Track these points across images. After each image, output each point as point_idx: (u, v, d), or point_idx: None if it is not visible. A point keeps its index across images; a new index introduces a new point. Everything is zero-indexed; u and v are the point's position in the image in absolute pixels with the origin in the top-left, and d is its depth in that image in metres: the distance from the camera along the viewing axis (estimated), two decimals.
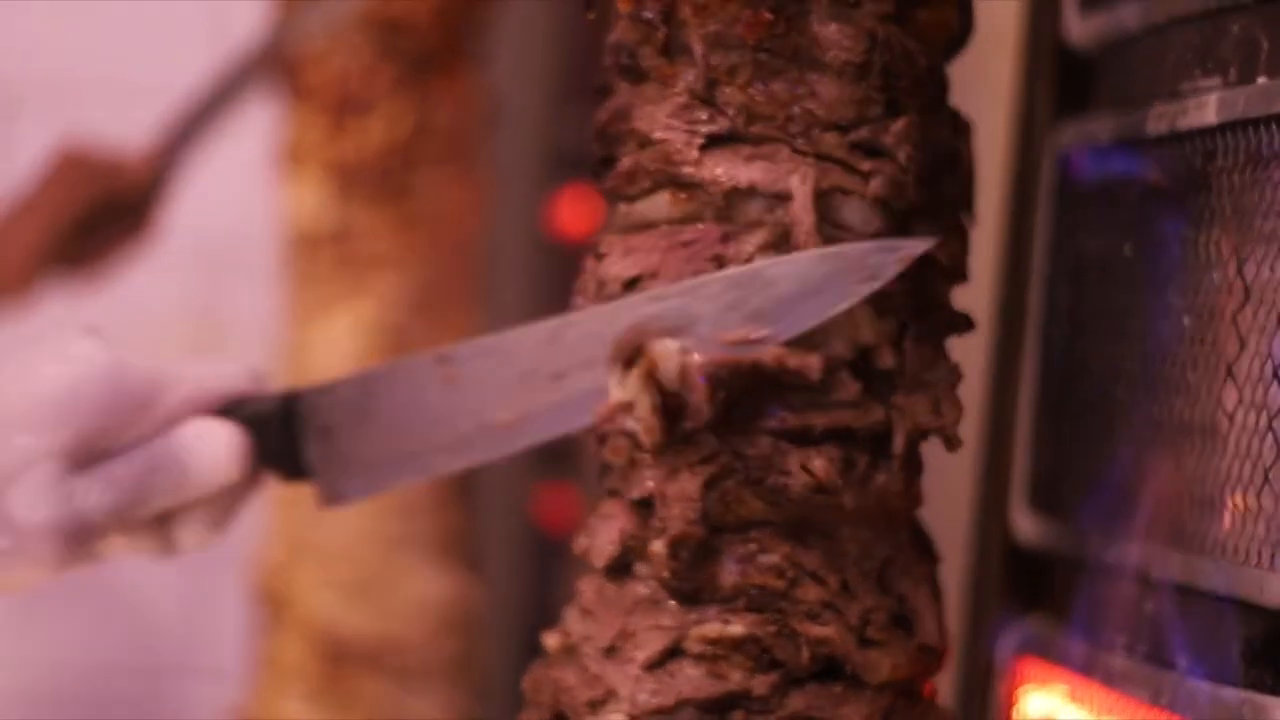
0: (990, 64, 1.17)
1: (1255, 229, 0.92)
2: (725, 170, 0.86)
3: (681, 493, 0.85)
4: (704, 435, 0.85)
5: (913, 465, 0.91)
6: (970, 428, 1.14)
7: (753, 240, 0.85)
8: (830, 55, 0.86)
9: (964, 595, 1.19)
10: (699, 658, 0.88)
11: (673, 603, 0.87)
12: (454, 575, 1.90)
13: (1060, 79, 1.14)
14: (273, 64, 1.83)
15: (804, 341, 0.87)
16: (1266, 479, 0.90)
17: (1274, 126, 0.91)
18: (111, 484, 0.90)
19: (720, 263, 0.86)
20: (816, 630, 0.87)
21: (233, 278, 2.08)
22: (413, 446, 0.93)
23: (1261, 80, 0.93)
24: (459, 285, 1.95)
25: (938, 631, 0.92)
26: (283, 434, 0.94)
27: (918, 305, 0.90)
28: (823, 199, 0.86)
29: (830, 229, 0.87)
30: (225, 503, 0.94)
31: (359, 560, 1.90)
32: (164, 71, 2.18)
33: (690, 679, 0.88)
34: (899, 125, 0.87)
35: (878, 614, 0.88)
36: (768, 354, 0.85)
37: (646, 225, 0.88)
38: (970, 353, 1.12)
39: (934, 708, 0.94)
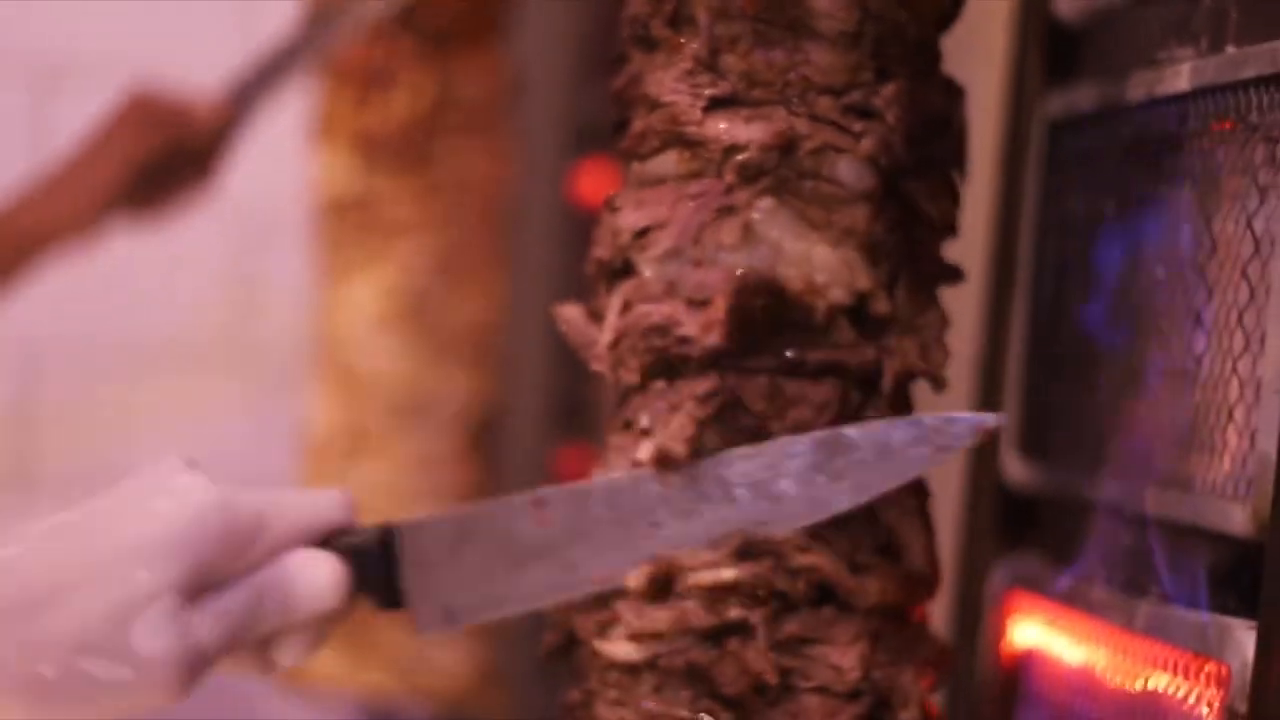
0: (984, 35, 1.23)
1: (1221, 187, 0.99)
2: (726, 129, 0.93)
3: (679, 425, 0.92)
4: (708, 370, 0.92)
5: (901, 404, 0.97)
6: (962, 375, 1.21)
7: (752, 190, 0.92)
8: (824, 25, 0.93)
9: (957, 534, 1.25)
10: (695, 591, 0.94)
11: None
12: None
13: (1049, 50, 1.20)
14: (332, 34, 1.85)
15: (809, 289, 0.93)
16: (1230, 417, 0.96)
17: (1240, 92, 0.98)
18: (224, 615, 0.93)
19: (726, 212, 0.93)
20: (806, 559, 0.93)
21: (270, 242, 2.13)
22: (503, 588, 0.96)
23: (1230, 49, 1.00)
24: (482, 251, 2.00)
25: (926, 560, 0.98)
26: (379, 564, 0.97)
27: (910, 256, 0.97)
28: (816, 155, 0.93)
29: (825, 184, 0.93)
30: (323, 626, 0.97)
31: (379, 513, 1.96)
32: (197, 48, 2.25)
33: (689, 610, 0.95)
34: (889, 90, 0.93)
35: (866, 542, 0.95)
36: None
37: (657, 181, 0.95)
38: (964, 305, 1.19)
39: (924, 632, 1.00)
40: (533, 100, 2.10)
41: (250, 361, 2.35)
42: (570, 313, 0.98)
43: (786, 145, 0.93)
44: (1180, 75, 1.03)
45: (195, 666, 0.93)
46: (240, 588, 0.94)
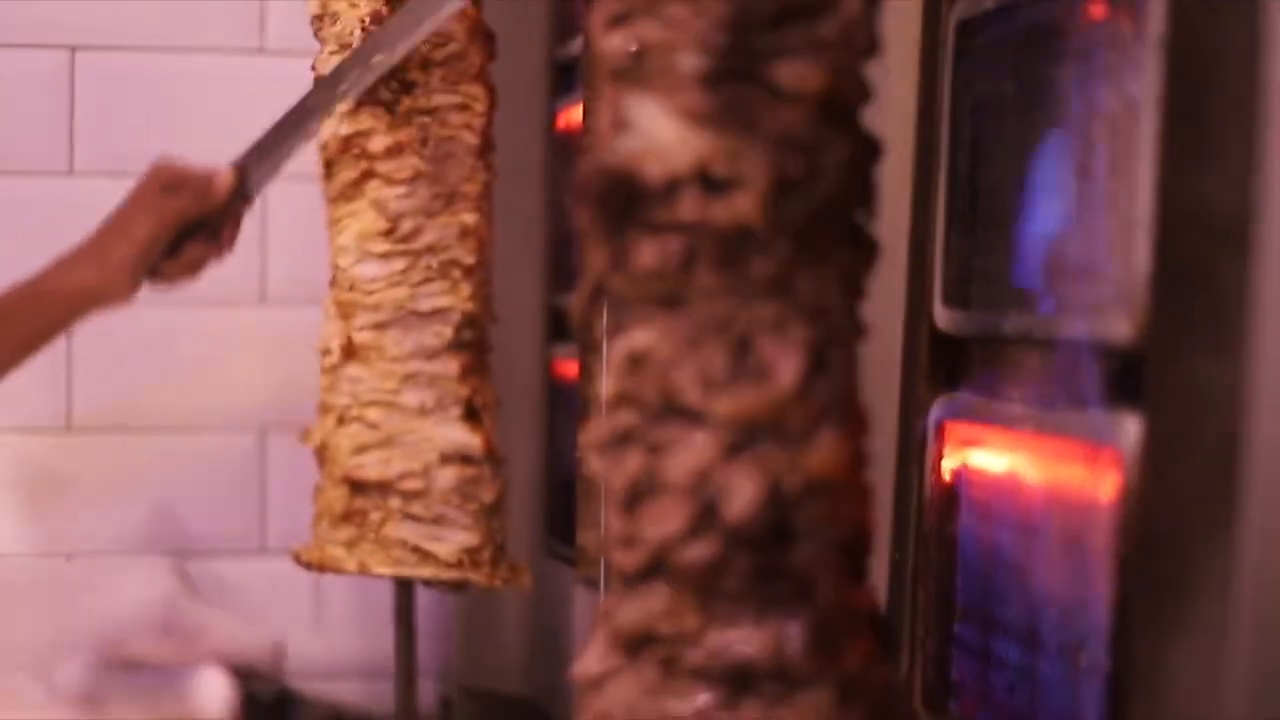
0: None
1: (1099, 62, 1.20)
2: (607, 42, 1.02)
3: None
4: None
5: None
6: (898, 241, 1.42)
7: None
8: None
9: (900, 378, 1.46)
10: None
11: None
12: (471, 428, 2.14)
13: None
14: (328, 108, 2.04)
15: None
16: (1111, 250, 1.18)
17: None
18: (131, 690, 1.08)
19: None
20: None
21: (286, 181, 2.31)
22: None
23: None
24: (462, 176, 2.17)
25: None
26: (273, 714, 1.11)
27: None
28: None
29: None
30: None
31: (371, 415, 2.14)
32: (200, 33, 2.45)
33: None
34: None
35: None
36: None
37: None
38: (896, 182, 1.41)
39: None
40: (515, 41, 2.28)
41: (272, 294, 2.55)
42: None
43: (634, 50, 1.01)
44: None
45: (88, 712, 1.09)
46: (152, 675, 1.11)
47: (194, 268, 1.94)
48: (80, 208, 2.01)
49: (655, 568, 0.99)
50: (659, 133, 0.98)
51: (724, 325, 0.99)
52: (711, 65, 0.98)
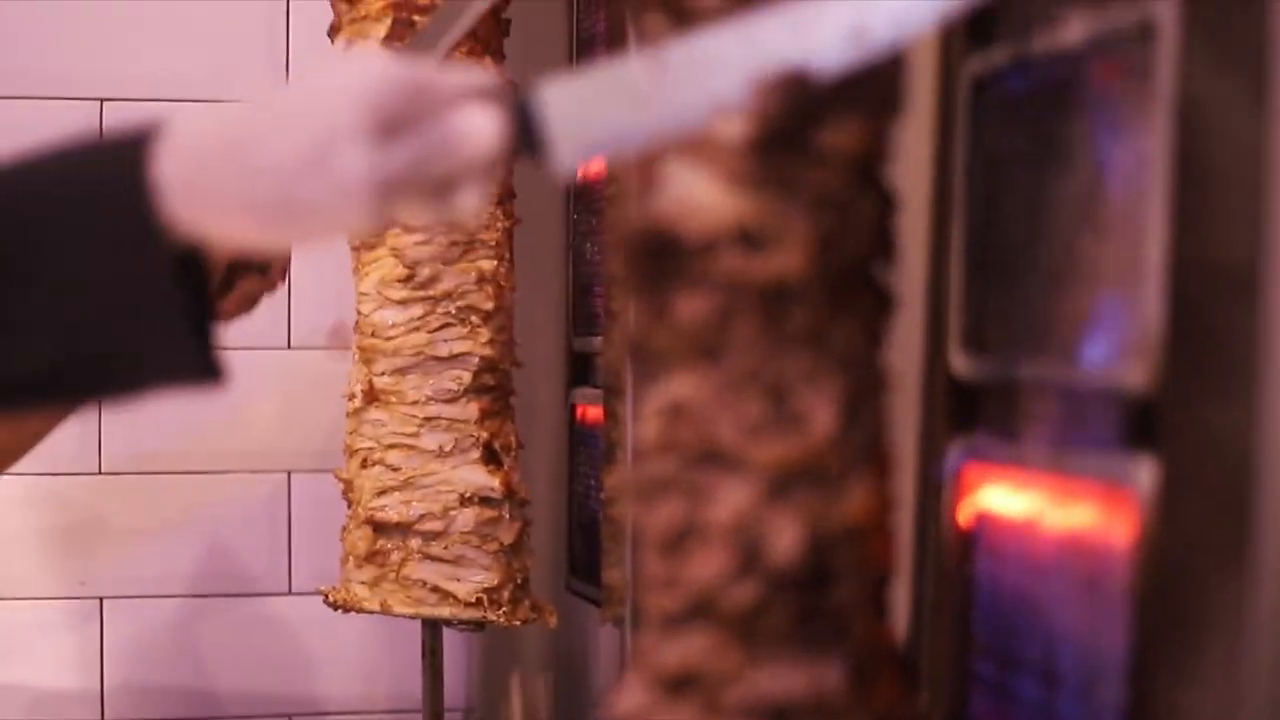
0: None
1: (1111, 119, 1.24)
2: None
3: None
4: None
5: None
6: (915, 291, 1.46)
7: None
8: None
9: (916, 422, 1.50)
10: None
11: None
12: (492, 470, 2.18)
13: (970, 19, 1.45)
14: None
15: None
16: (1126, 300, 1.22)
17: (1117, 40, 1.23)
18: (408, 153, 1.09)
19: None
20: None
21: None
22: (628, 125, 1.10)
23: (1111, 7, 1.25)
24: (478, 226, 2.21)
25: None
26: (526, 118, 1.12)
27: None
28: None
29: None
30: (487, 171, 1.12)
31: (387, 459, 2.18)
32: (225, 85, 2.49)
33: None
34: None
35: None
36: None
37: None
38: (914, 231, 1.45)
39: None
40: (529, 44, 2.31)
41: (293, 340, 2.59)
42: None
43: None
44: (1072, 30, 1.29)
45: (383, 195, 1.09)
46: (420, 132, 1.10)
47: (249, 302, 1.95)
48: None
49: (697, 609, 1.03)
50: (700, 194, 1.03)
51: (761, 376, 1.03)
52: (758, 133, 1.03)
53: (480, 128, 1.12)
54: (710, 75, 1.08)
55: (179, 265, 1.10)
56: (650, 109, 1.09)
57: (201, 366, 1.12)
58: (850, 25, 1.07)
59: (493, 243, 2.19)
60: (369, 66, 1.11)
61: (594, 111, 1.12)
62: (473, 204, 1.12)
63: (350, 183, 1.09)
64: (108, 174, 1.11)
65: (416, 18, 2.10)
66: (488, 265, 2.18)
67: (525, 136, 1.13)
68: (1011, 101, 1.38)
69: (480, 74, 1.13)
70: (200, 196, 1.10)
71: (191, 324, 1.11)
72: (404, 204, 1.11)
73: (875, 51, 1.07)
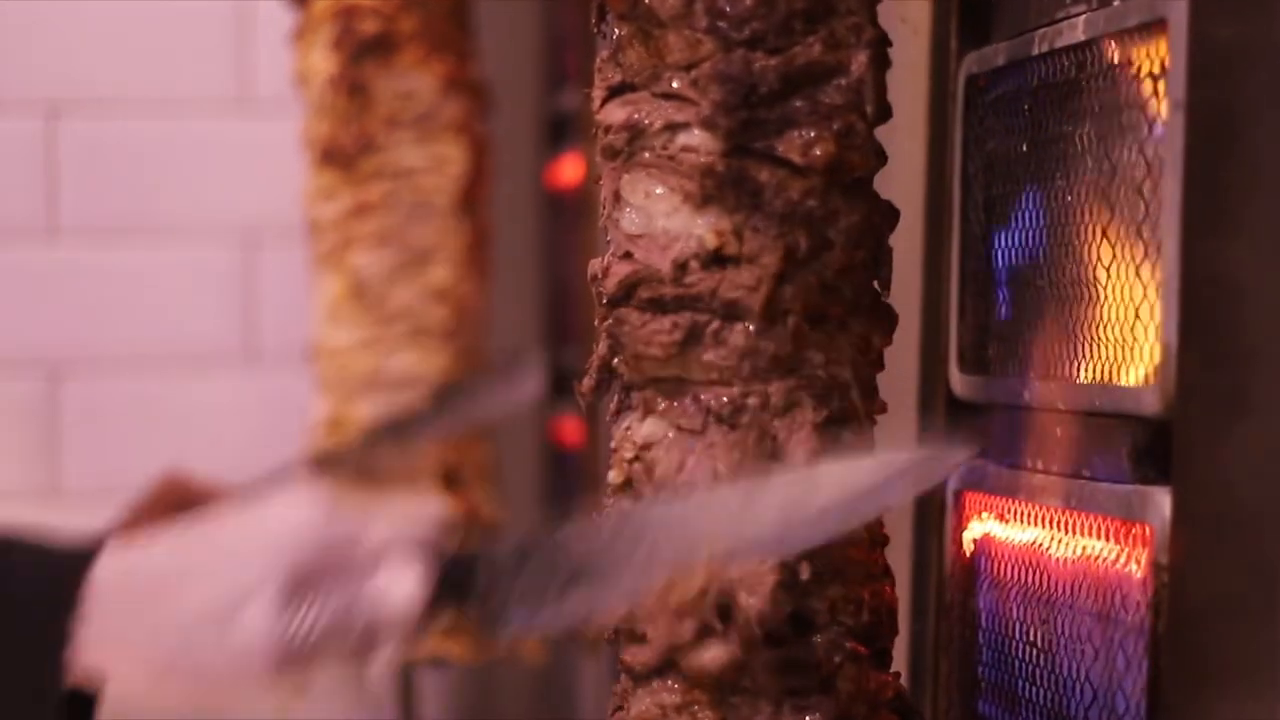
0: (909, 7, 1.40)
1: (1116, 120, 1.16)
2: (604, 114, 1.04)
3: None
4: None
5: None
6: (911, 309, 1.37)
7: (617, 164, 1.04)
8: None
9: (915, 444, 1.41)
10: None
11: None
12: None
13: (965, 15, 1.37)
14: None
15: None
16: (1137, 316, 1.13)
17: (1125, 39, 1.15)
18: (321, 611, 1.06)
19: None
20: None
21: (268, 250, 2.28)
22: (562, 604, 1.07)
23: (1116, 3, 1.17)
24: (434, 238, 2.12)
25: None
26: (459, 582, 1.08)
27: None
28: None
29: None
30: (409, 634, 1.08)
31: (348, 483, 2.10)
32: (188, 86, 2.42)
33: None
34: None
35: None
36: None
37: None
38: (908, 245, 1.36)
39: None
40: (507, 101, 2.24)
41: (256, 360, 2.51)
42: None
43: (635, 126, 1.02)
44: (1076, 28, 1.20)
45: (288, 657, 1.06)
46: (336, 591, 1.07)
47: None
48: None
49: (665, 665, 0.95)
50: (660, 217, 0.95)
51: (732, 408, 0.95)
52: (714, 143, 0.94)
53: (399, 588, 1.08)
54: (652, 545, 1.04)
55: (68, 698, 1.08)
56: (586, 586, 1.06)
57: None
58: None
59: (448, 258, 2.10)
60: (290, 519, 1.08)
61: (532, 586, 1.08)
62: (385, 664, 1.09)
63: (252, 646, 1.06)
64: (40, 607, 1.09)
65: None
66: (444, 281, 2.09)
67: (456, 591, 1.09)
68: (1011, 100, 1.29)
69: (412, 524, 1.10)
70: (102, 645, 1.08)
71: None
72: (315, 661, 1.08)
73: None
